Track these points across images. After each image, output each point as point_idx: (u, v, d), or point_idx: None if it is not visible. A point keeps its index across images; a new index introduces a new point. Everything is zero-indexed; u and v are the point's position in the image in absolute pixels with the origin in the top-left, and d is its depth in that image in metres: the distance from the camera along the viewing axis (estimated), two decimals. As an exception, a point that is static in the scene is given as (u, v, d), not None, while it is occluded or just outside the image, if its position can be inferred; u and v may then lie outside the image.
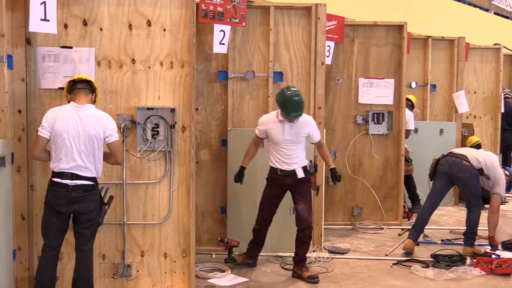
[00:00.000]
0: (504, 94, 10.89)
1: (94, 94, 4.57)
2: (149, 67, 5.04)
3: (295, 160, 5.68)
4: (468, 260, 6.11)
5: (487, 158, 6.55)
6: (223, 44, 6.16)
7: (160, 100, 5.06)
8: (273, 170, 5.75)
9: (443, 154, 6.74)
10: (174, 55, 5.04)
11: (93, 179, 4.44)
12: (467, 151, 6.69)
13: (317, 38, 6.40)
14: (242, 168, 5.88)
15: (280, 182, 5.73)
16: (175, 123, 5.02)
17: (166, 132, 5.03)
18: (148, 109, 5.01)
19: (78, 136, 4.35)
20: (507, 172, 6.70)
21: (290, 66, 6.48)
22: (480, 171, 6.40)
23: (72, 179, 4.34)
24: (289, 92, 5.55)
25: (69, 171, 4.35)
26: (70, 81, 4.52)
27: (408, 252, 6.47)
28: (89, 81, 4.54)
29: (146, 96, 5.05)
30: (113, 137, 4.48)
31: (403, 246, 6.57)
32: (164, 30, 5.03)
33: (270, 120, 5.71)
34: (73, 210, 4.39)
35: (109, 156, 4.56)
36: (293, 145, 5.66)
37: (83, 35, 4.96)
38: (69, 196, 4.34)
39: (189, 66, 5.04)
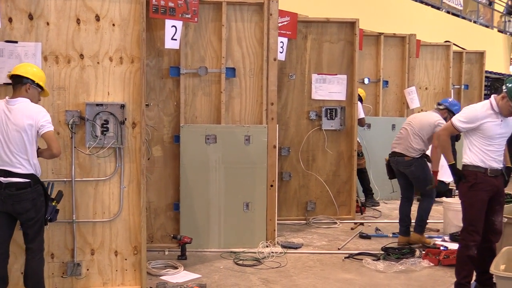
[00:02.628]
0: None
1: (38, 86, 4.44)
2: (98, 63, 4.97)
3: (502, 158, 4.94)
4: (417, 252, 6.24)
5: (416, 125, 6.55)
6: (175, 39, 6.11)
7: (109, 96, 4.99)
8: (479, 172, 4.81)
9: (389, 154, 6.80)
10: (124, 50, 4.98)
11: (29, 176, 4.33)
12: (403, 147, 6.62)
13: (269, 34, 6.41)
14: (454, 165, 4.88)
15: (489, 184, 4.82)
16: (125, 119, 4.96)
17: (116, 128, 4.96)
18: (97, 105, 4.94)
19: (6, 131, 4.28)
20: (441, 106, 6.63)
21: (242, 62, 6.48)
22: (422, 156, 6.51)
23: (5, 177, 4.26)
24: None
25: (1, 168, 4.27)
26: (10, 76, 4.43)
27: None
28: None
29: (95, 92, 4.98)
30: (45, 128, 4.35)
31: (410, 240, 6.71)
32: (113, 25, 4.97)
33: (484, 114, 4.78)
34: (8, 209, 4.30)
35: (44, 150, 4.44)
36: (504, 140, 4.92)
37: (29, 30, 4.85)
38: (2, 194, 4.26)
39: (139, 62, 4.99)
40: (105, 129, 4.95)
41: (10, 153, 4.27)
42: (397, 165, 6.66)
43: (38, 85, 4.44)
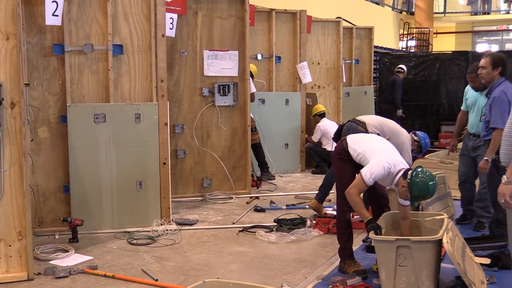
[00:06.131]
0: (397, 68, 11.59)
1: None
2: (-31, 40, 4.68)
3: None
4: (308, 222, 6.45)
5: (388, 125, 6.41)
6: (57, 15, 5.87)
7: (-16, 75, 4.73)
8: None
9: (348, 120, 6.71)
10: (-3, 26, 4.72)
11: None
12: (368, 118, 6.57)
13: (156, 10, 6.31)
14: (371, 220, 4.68)
15: None
16: (2, 99, 4.72)
17: (-7, 109, 4.72)
18: (-30, 85, 4.67)
19: None
20: (416, 138, 6.52)
21: (130, 38, 6.33)
22: None
23: None
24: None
25: None
26: None
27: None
28: None
29: (-33, 71, 4.69)
30: None
31: (310, 205, 6.97)
32: (-16, -1, 4.69)
33: (389, 180, 4.85)
34: None
35: None
36: None
37: None
38: None
39: (15, 39, 4.74)
40: (-20, 110, 4.69)
41: None
42: (348, 131, 6.29)
43: None
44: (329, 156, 9.27)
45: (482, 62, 5.77)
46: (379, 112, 11.33)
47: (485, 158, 5.55)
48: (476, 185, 6.47)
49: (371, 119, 6.54)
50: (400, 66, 12.29)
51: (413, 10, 26.60)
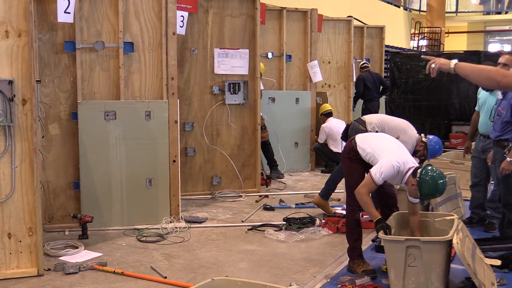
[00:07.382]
0: (362, 64, 11.45)
1: None
2: (-19, 37, 4.70)
3: None
4: (318, 221, 6.44)
5: (389, 123, 6.38)
6: (68, 13, 5.90)
7: (-5, 72, 4.75)
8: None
9: (354, 119, 6.75)
10: (9, 23, 4.73)
11: None
12: (368, 116, 6.60)
13: (167, 7, 6.32)
14: (380, 220, 4.61)
15: None
16: (14, 95, 4.74)
17: (4, 105, 4.73)
18: (-18, 81, 4.69)
19: None
20: (424, 139, 6.35)
21: (141, 36, 6.35)
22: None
23: None
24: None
25: None
26: None
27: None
28: None
29: (-21, 67, 4.72)
30: None
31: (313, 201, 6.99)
32: (-4, -4, 4.71)
33: (399, 179, 4.81)
34: None
35: None
36: None
37: None
38: None
39: (27, 36, 4.75)
40: (-8, 106, 4.72)
41: None
42: (352, 130, 6.40)
43: None
44: (335, 156, 9.28)
45: (505, 59, 5.66)
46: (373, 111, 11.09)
47: (509, 159, 5.41)
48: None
49: (371, 117, 6.57)
50: (366, 62, 11.68)
51: (424, 9, 26.47)
